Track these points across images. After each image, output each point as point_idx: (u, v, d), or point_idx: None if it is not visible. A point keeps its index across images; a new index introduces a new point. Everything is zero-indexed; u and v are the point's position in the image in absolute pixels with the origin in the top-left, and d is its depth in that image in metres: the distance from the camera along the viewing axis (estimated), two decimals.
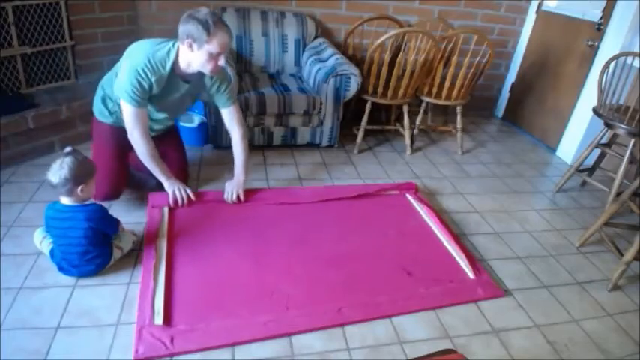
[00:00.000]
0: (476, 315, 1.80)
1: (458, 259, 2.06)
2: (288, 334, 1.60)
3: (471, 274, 1.97)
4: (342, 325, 1.66)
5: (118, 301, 1.66)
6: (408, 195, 2.52)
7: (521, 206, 2.66)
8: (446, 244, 2.15)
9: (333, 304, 1.72)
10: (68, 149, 1.70)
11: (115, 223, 1.82)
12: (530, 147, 3.56)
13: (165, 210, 2.13)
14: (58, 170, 1.62)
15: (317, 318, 1.67)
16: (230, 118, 2.22)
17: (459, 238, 2.20)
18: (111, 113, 2.11)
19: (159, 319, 1.55)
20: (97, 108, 2.14)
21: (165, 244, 1.92)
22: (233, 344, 1.54)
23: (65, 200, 1.68)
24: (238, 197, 2.28)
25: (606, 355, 1.70)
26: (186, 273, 1.81)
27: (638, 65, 2.66)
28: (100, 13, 2.89)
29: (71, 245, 1.69)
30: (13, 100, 2.46)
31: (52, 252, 1.76)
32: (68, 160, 1.63)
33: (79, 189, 1.64)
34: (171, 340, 1.50)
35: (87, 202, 1.71)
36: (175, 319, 1.59)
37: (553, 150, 3.47)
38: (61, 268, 1.74)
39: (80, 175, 1.63)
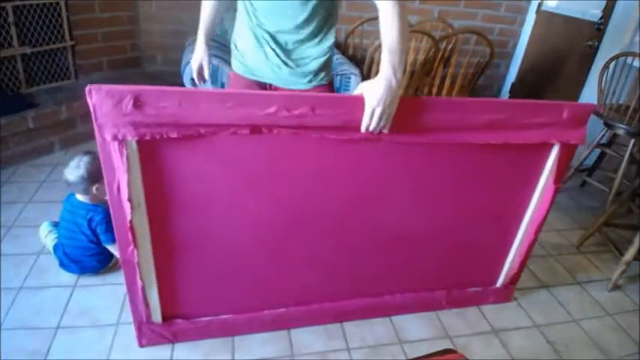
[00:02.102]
0: (476, 315, 1.80)
1: (507, 263, 1.78)
2: (288, 328, 1.60)
3: (500, 282, 1.82)
4: (344, 321, 1.67)
5: (118, 301, 1.66)
6: (556, 147, 1.52)
7: None
8: (518, 237, 1.72)
9: (353, 302, 1.60)
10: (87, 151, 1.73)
11: (112, 235, 1.72)
12: None
13: (133, 145, 1.17)
14: (75, 169, 1.64)
15: (320, 317, 1.63)
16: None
17: (534, 242, 1.74)
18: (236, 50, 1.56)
19: (157, 317, 1.48)
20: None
21: (146, 217, 1.28)
22: (234, 335, 1.55)
23: (80, 197, 1.71)
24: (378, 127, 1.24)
25: (606, 355, 1.70)
26: (184, 254, 1.41)
27: (638, 65, 2.66)
28: (100, 13, 2.89)
29: (76, 240, 1.70)
30: (13, 100, 2.46)
31: (55, 247, 1.77)
32: (86, 158, 1.66)
33: (94, 187, 1.66)
34: (175, 336, 1.50)
35: (100, 203, 1.72)
36: (176, 313, 1.50)
37: None
38: (61, 264, 1.74)
39: (96, 174, 1.64)
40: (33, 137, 2.50)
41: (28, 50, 2.53)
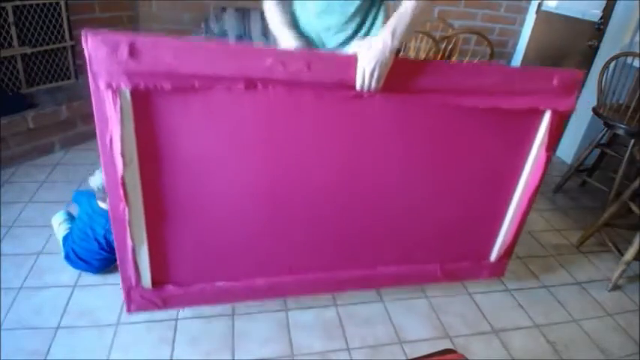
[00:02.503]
0: (476, 315, 1.80)
1: (501, 235, 1.75)
2: (284, 296, 1.60)
3: (493, 256, 1.79)
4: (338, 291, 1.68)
5: (118, 301, 1.66)
6: (547, 114, 1.51)
7: None
8: (511, 208, 1.70)
9: (342, 272, 1.59)
10: None
11: None
12: None
13: (127, 96, 1.14)
14: (100, 177, 1.64)
15: (314, 286, 1.62)
16: None
17: (527, 213, 1.72)
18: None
19: (146, 282, 1.42)
20: None
21: (138, 174, 1.25)
22: (226, 302, 1.56)
23: (102, 205, 1.72)
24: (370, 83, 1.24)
25: (606, 355, 1.70)
26: (176, 217, 1.36)
27: (638, 65, 2.66)
28: (100, 13, 2.89)
29: (88, 243, 1.71)
30: (13, 100, 2.45)
31: (65, 237, 1.78)
32: None
33: None
34: (164, 302, 1.47)
35: None
36: (166, 279, 1.46)
37: (553, 150, 3.47)
38: (67, 257, 1.75)
39: None
40: (33, 137, 2.50)
41: (28, 50, 2.53)
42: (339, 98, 1.27)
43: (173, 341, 1.54)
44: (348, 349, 1.58)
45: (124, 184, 1.22)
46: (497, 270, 1.85)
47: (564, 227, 2.50)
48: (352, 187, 1.47)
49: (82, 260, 1.72)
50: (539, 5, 3.61)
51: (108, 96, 1.11)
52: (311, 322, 1.68)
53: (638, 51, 2.59)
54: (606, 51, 2.94)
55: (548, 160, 1.58)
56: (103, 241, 1.70)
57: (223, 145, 1.30)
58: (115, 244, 1.34)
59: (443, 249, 1.72)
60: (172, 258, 1.44)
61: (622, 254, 2.07)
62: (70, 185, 2.30)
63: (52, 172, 2.43)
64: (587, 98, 3.09)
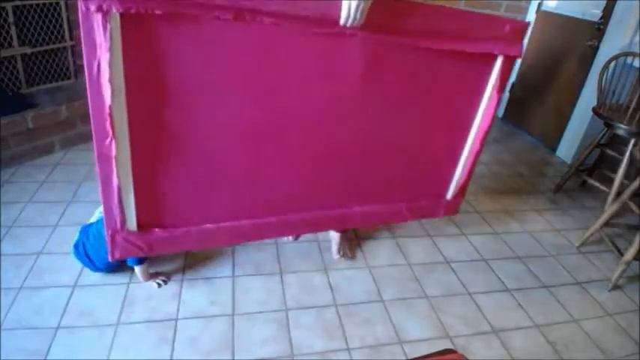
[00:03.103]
0: (476, 315, 1.80)
1: (456, 174, 1.88)
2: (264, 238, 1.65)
3: (449, 195, 1.91)
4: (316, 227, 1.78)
5: (118, 301, 1.66)
6: (499, 59, 1.62)
7: (521, 206, 2.66)
8: (466, 148, 1.82)
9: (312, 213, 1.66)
10: None
11: (136, 259, 1.69)
12: (530, 147, 3.56)
13: (117, 20, 1.12)
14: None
15: (295, 227, 1.67)
16: None
17: (479, 153, 1.83)
18: None
19: (132, 225, 1.38)
20: None
21: (126, 106, 1.22)
22: (212, 246, 1.58)
23: None
24: None
25: (606, 355, 1.70)
26: (164, 153, 1.35)
27: (638, 65, 2.66)
28: None
29: (98, 251, 1.67)
30: (13, 100, 2.45)
31: (84, 228, 1.77)
32: None
33: None
34: (150, 246, 1.45)
35: None
36: (153, 221, 1.43)
37: (553, 150, 3.47)
38: (76, 246, 1.75)
39: None
40: (33, 137, 2.50)
41: (28, 50, 2.53)
42: (322, 34, 1.31)
43: (173, 341, 1.54)
44: (348, 349, 1.58)
45: (111, 116, 1.19)
46: (452, 208, 1.97)
47: (564, 227, 2.50)
48: (330, 127, 1.54)
49: (88, 257, 1.72)
50: (539, 5, 3.61)
51: (97, 20, 1.08)
52: (311, 322, 1.68)
53: (638, 51, 2.59)
54: (606, 51, 2.94)
55: (499, 102, 1.73)
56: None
57: (211, 78, 1.29)
58: (100, 184, 1.29)
59: (408, 188, 1.84)
60: (159, 198, 1.41)
61: (622, 254, 2.07)
62: (70, 185, 2.30)
63: (52, 172, 2.43)
64: (587, 98, 3.10)
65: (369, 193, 1.76)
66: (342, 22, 1.30)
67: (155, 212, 1.44)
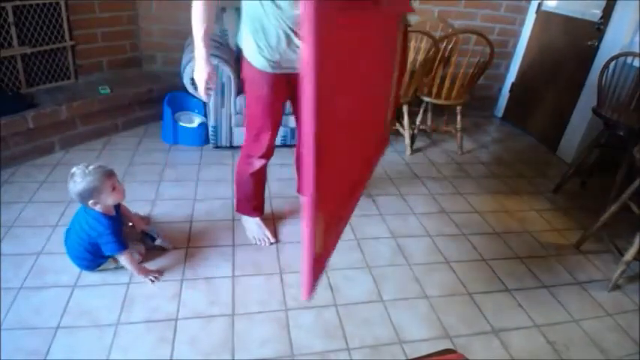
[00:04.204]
0: (476, 315, 1.80)
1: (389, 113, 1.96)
2: None
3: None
4: None
5: (118, 301, 1.66)
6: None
7: (521, 206, 2.66)
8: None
9: None
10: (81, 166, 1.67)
11: (116, 247, 1.69)
12: (530, 147, 3.56)
13: None
14: (72, 185, 1.62)
15: None
16: None
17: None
18: (260, 48, 1.66)
19: None
20: (244, 44, 1.74)
21: None
22: None
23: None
24: None
25: (606, 355, 1.70)
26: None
27: (638, 65, 2.66)
28: (100, 13, 2.89)
29: (75, 239, 1.71)
30: (13, 100, 2.46)
31: (68, 230, 1.80)
32: (77, 177, 1.62)
33: (90, 202, 1.64)
34: None
35: (108, 214, 1.69)
36: None
37: (553, 150, 3.47)
38: (65, 241, 1.79)
39: (84, 194, 1.62)
40: (33, 137, 2.50)
41: (28, 50, 2.53)
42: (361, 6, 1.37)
43: (173, 341, 1.54)
44: (348, 349, 1.58)
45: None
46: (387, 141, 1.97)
47: (564, 227, 2.50)
48: (376, 88, 1.64)
49: (69, 253, 1.76)
50: (539, 5, 3.61)
51: None
52: (311, 322, 1.68)
53: (638, 51, 2.59)
54: (606, 51, 2.94)
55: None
56: (86, 243, 1.68)
57: (356, 64, 1.35)
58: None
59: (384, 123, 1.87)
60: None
61: (622, 254, 2.07)
62: None
63: (52, 172, 2.43)
64: (587, 98, 3.10)
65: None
66: None
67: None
